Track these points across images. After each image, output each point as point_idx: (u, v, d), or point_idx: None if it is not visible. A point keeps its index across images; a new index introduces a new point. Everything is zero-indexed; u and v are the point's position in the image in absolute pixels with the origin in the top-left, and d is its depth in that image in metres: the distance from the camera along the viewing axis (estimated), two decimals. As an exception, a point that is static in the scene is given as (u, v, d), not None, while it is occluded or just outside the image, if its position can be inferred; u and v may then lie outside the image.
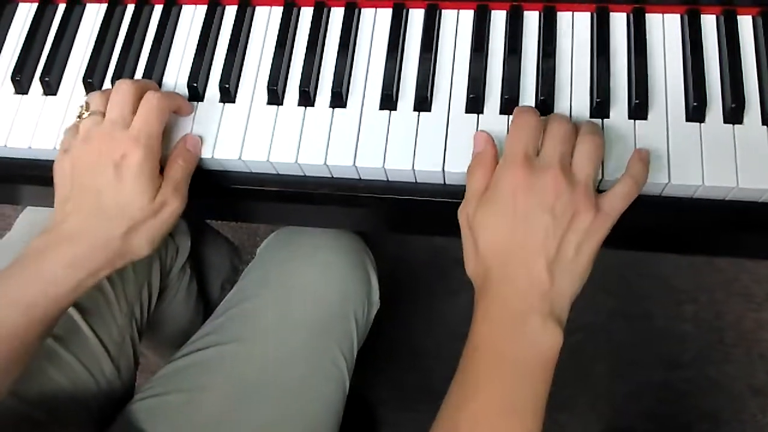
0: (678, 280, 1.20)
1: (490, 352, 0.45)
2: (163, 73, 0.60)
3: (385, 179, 0.55)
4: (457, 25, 0.58)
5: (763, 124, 0.52)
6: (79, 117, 0.52)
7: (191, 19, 0.62)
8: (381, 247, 0.81)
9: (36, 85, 0.61)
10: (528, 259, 0.45)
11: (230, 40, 0.59)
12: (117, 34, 0.62)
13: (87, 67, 0.60)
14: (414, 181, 0.55)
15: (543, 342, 0.44)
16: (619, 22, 0.56)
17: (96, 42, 0.61)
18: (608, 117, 0.53)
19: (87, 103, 0.53)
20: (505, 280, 0.46)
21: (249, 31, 0.60)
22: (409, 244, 1.26)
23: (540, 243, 0.45)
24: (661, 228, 0.55)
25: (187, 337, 0.70)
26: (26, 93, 0.61)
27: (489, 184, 0.48)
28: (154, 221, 0.51)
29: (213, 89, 0.58)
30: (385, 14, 0.59)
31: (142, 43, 0.61)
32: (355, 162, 0.54)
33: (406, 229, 0.71)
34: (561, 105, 0.54)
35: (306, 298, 0.67)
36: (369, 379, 1.15)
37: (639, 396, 1.14)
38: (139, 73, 0.60)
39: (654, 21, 0.56)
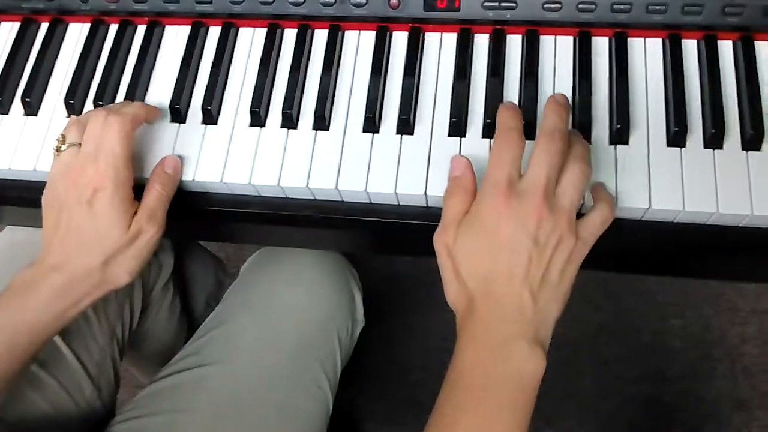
0: (665, 295, 1.21)
1: (476, 376, 0.45)
2: (145, 94, 0.59)
3: (368, 202, 0.55)
4: (441, 48, 0.58)
5: (743, 149, 0.52)
6: (57, 150, 0.52)
7: (174, 40, 0.61)
8: (365, 263, 0.81)
9: (17, 106, 0.60)
10: (513, 285, 0.45)
11: (213, 62, 0.59)
12: (100, 54, 0.62)
13: (69, 88, 0.60)
14: (396, 203, 0.55)
15: (528, 367, 0.44)
16: (601, 45, 0.57)
17: (78, 62, 0.61)
18: (589, 142, 0.53)
19: (63, 136, 0.52)
20: (491, 305, 0.45)
21: (232, 52, 0.60)
22: (394, 260, 1.26)
23: (524, 269, 0.45)
24: (642, 252, 0.55)
25: (170, 353, 0.69)
26: (6, 113, 0.60)
27: (468, 209, 0.47)
28: (130, 250, 0.51)
29: (195, 111, 0.58)
30: (369, 37, 0.59)
31: (125, 63, 0.61)
32: (337, 185, 0.54)
33: (389, 251, 0.71)
34: (543, 129, 0.54)
35: (288, 318, 0.67)
36: (356, 394, 1.15)
37: (625, 411, 1.14)
38: (121, 94, 0.60)
39: (636, 45, 0.56)
